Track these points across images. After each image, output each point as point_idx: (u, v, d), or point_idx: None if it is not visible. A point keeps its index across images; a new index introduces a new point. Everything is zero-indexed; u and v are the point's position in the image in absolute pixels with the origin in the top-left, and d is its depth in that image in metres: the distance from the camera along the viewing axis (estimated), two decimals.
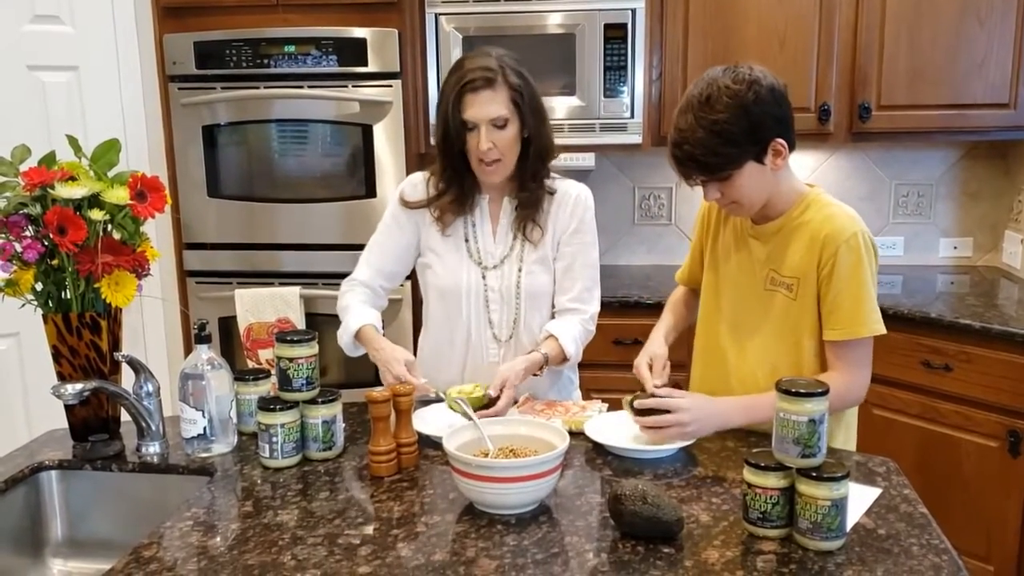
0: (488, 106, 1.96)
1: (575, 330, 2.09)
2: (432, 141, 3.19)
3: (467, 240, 2.11)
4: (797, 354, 1.90)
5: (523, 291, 2.10)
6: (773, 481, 1.45)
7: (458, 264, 2.10)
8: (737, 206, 1.85)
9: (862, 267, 1.82)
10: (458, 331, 2.12)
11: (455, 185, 2.08)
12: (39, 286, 1.83)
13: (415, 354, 2.24)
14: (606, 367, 2.85)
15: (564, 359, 2.07)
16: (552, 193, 2.11)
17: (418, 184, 2.15)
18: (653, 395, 1.81)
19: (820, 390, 1.44)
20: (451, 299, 2.11)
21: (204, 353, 1.83)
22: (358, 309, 2.11)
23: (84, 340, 1.84)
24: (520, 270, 2.10)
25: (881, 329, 1.83)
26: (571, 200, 2.12)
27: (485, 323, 2.12)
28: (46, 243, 1.79)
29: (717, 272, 2.02)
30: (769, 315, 1.92)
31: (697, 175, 1.79)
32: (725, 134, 1.73)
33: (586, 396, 2.33)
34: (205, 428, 1.83)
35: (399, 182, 3.12)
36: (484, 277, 2.10)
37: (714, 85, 1.75)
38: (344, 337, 2.11)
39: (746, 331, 1.96)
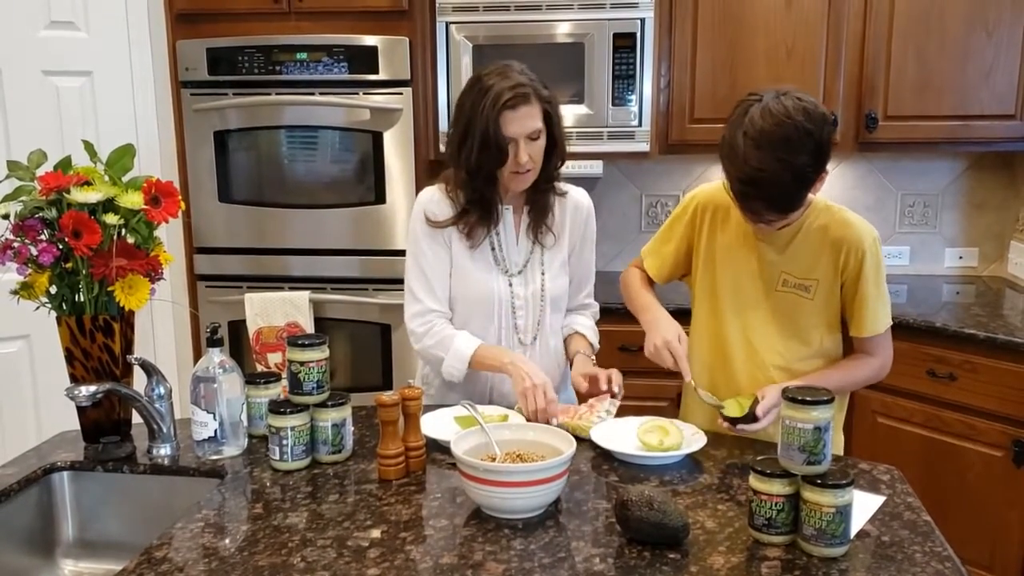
0: (526, 121, 1.99)
1: (593, 326, 2.30)
2: (442, 149, 3.21)
3: (493, 249, 2.13)
4: (811, 350, 1.98)
5: (547, 295, 2.15)
6: (778, 488, 1.46)
7: (487, 273, 2.13)
8: (773, 227, 1.87)
9: (882, 270, 1.93)
10: (488, 339, 2.13)
11: (482, 202, 2.08)
12: (53, 289, 1.86)
13: (420, 364, 2.29)
14: None
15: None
16: (562, 195, 2.17)
17: (439, 201, 2.13)
18: (755, 416, 1.85)
19: (826, 398, 1.46)
20: (482, 308, 2.13)
21: (216, 356, 1.84)
22: (459, 335, 2.09)
23: (97, 343, 1.86)
24: (543, 274, 2.15)
25: (890, 321, 1.99)
26: (584, 209, 2.21)
27: (512, 328, 2.15)
28: (61, 247, 1.81)
29: (715, 274, 2.04)
30: (782, 315, 1.97)
31: (767, 213, 1.79)
32: (804, 178, 1.74)
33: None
34: (216, 431, 1.84)
35: (408, 189, 3.18)
36: (510, 284, 2.13)
37: (790, 124, 1.70)
38: (457, 364, 2.07)
39: (756, 332, 1.99)
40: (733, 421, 1.86)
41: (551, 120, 2.04)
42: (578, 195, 2.22)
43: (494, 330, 2.14)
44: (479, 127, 1.99)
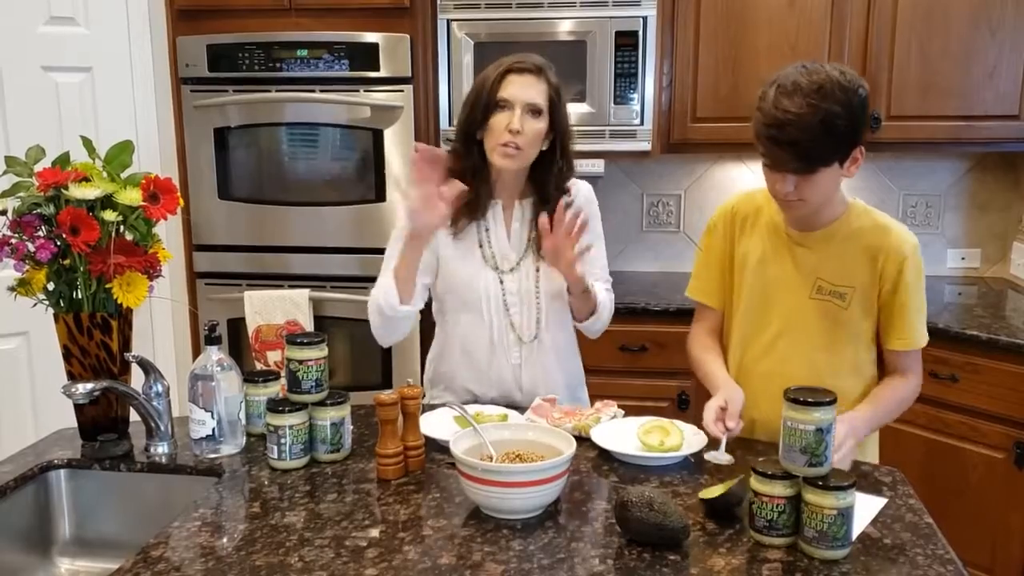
0: (530, 89, 1.98)
1: (604, 291, 2.16)
2: (443, 147, 3.20)
3: (481, 246, 2.11)
4: (840, 362, 1.92)
5: (543, 291, 2.11)
6: (780, 490, 1.45)
7: (475, 270, 2.10)
8: (803, 204, 1.81)
9: (922, 280, 1.88)
10: (480, 337, 2.12)
11: (475, 184, 2.04)
12: (51, 286, 1.85)
13: (426, 365, 2.27)
14: (612, 373, 2.87)
15: (593, 309, 2.10)
16: (569, 206, 2.11)
17: None
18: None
19: (828, 399, 1.45)
20: (471, 305, 2.11)
21: (214, 354, 1.83)
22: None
23: (95, 340, 1.85)
24: (538, 271, 2.10)
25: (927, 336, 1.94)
26: (581, 200, 2.14)
27: (507, 326, 2.12)
28: (59, 243, 1.80)
29: (743, 283, 1.98)
30: (814, 323, 1.91)
31: (792, 162, 1.73)
32: (833, 129, 1.69)
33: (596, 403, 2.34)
34: (214, 429, 1.83)
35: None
36: (502, 281, 2.10)
37: (824, 75, 1.69)
38: (389, 298, 1.99)
39: (788, 339, 1.93)
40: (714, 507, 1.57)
41: (555, 111, 2.01)
42: (580, 187, 2.15)
43: (486, 328, 2.11)
44: (475, 91, 2.02)
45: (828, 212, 1.88)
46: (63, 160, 1.87)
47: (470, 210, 2.08)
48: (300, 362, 1.79)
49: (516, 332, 2.12)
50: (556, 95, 2.02)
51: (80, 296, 1.85)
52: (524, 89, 1.98)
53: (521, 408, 2.03)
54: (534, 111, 1.98)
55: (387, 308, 2.01)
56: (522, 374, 2.13)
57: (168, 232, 3.13)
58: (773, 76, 1.76)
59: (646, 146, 3.25)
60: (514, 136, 1.96)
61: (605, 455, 1.84)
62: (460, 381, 2.16)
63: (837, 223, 1.89)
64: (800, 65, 1.74)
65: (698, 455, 1.82)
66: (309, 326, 3.26)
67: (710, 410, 1.83)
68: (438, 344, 2.23)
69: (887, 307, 1.89)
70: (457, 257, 2.11)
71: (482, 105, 1.99)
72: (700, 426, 1.88)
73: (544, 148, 2.04)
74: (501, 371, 2.13)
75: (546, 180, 2.07)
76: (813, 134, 1.69)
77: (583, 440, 1.86)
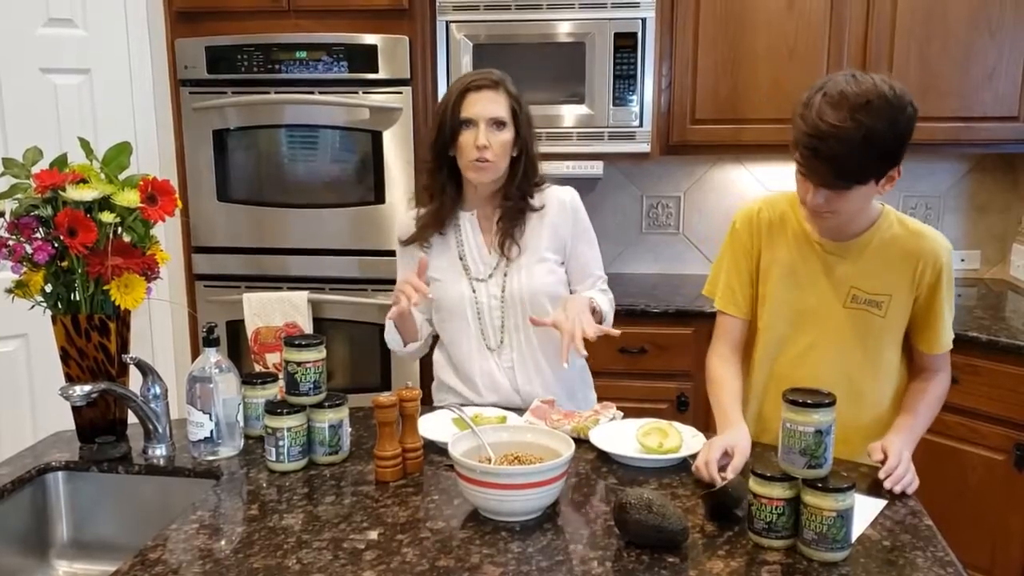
0: (490, 104, 2.03)
1: (601, 295, 2.16)
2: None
3: (461, 258, 2.13)
4: (874, 368, 1.91)
5: (508, 297, 2.11)
6: (779, 491, 1.45)
7: (454, 282, 2.13)
8: (833, 216, 1.77)
9: (953, 282, 1.89)
10: (467, 345, 2.14)
11: (442, 197, 2.11)
12: (49, 288, 1.84)
13: (431, 373, 2.30)
14: (612, 375, 2.86)
15: (600, 319, 2.06)
16: (536, 210, 2.13)
17: (407, 222, 2.19)
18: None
19: (827, 401, 1.44)
20: (455, 315, 2.14)
21: (212, 356, 1.83)
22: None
23: (92, 342, 1.85)
24: (505, 276, 2.12)
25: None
26: (567, 206, 2.16)
27: (490, 332, 2.13)
28: (56, 245, 1.80)
29: (770, 293, 1.94)
30: (848, 332, 1.88)
31: (827, 177, 1.67)
32: (875, 147, 1.64)
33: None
34: (212, 431, 1.83)
35: (408, 189, 3.17)
36: (474, 290, 2.12)
37: (874, 90, 1.64)
38: (388, 334, 2.20)
39: (821, 349, 1.90)
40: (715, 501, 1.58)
41: (519, 120, 2.05)
42: (560, 192, 2.17)
43: (472, 336, 2.14)
44: (440, 111, 2.07)
45: (860, 221, 1.84)
46: (61, 162, 1.86)
47: (435, 221, 2.12)
48: (298, 364, 1.78)
49: (485, 340, 2.14)
50: (517, 104, 2.06)
51: (78, 298, 1.85)
52: (485, 105, 2.02)
53: (521, 411, 2.03)
54: (498, 123, 2.03)
55: (397, 350, 2.22)
56: (516, 376, 2.13)
57: (167, 234, 3.13)
58: (820, 81, 1.70)
59: (645, 148, 3.24)
60: (482, 151, 2.01)
61: (604, 457, 1.84)
62: (459, 389, 2.17)
63: (870, 232, 1.85)
64: (849, 73, 1.68)
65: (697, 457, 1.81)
66: (308, 328, 3.26)
67: (714, 449, 1.69)
68: (438, 353, 2.27)
69: (923, 311, 1.88)
70: (441, 271, 2.14)
71: (448, 127, 2.04)
72: (698, 427, 1.87)
73: (514, 155, 2.08)
74: (494, 376, 2.13)
75: (510, 183, 2.10)
76: (854, 149, 1.63)
77: (582, 442, 1.86)
